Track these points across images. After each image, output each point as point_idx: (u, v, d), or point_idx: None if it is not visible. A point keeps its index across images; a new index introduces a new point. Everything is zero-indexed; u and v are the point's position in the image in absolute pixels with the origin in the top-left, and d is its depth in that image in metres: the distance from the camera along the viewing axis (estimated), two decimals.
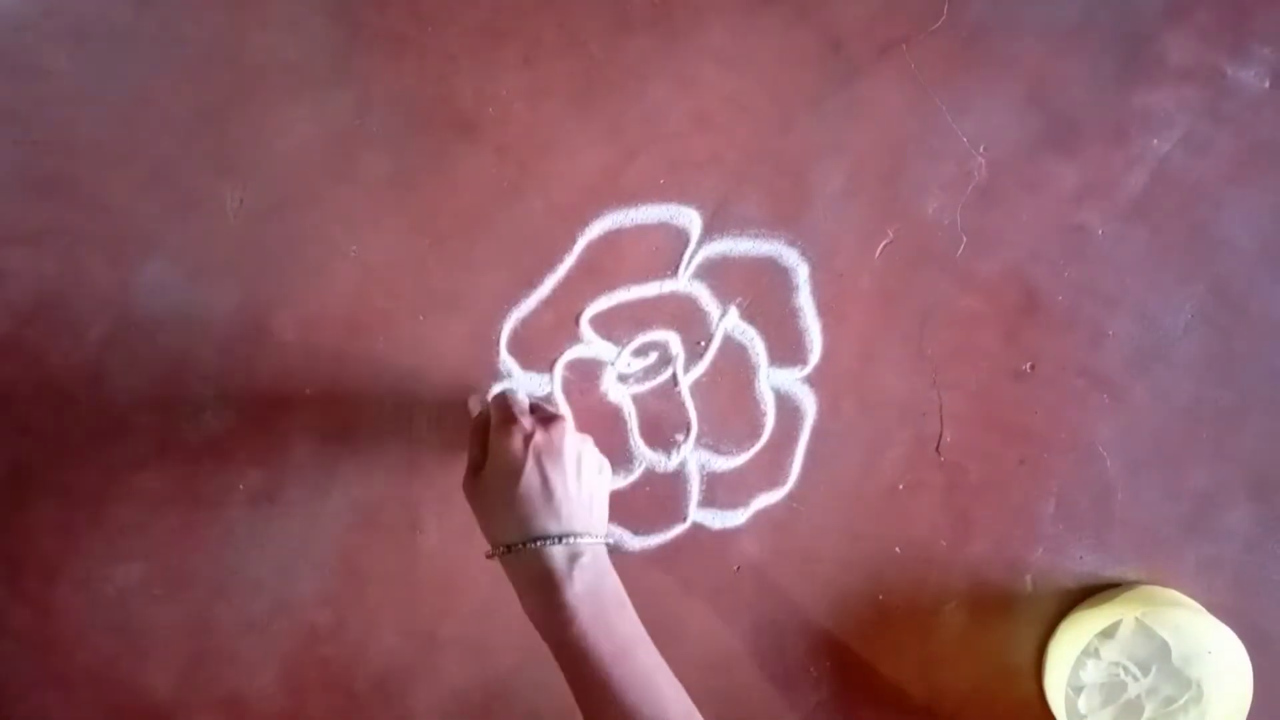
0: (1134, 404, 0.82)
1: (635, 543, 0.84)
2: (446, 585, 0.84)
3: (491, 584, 0.83)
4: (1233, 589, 0.83)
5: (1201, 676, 0.79)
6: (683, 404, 0.83)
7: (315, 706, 0.85)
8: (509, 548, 0.67)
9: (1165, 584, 0.83)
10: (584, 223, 0.80)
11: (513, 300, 0.81)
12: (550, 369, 0.82)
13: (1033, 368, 0.82)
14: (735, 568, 0.84)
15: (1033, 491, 0.83)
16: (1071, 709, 0.80)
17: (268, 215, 0.80)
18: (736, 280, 0.81)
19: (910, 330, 0.82)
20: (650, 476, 0.83)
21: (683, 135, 0.80)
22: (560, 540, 0.66)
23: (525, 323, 0.81)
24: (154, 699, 0.84)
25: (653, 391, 0.83)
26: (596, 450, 0.74)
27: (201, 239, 0.80)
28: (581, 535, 0.67)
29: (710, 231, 0.81)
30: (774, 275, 0.81)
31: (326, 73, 0.79)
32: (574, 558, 0.66)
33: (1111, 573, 0.84)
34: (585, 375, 0.82)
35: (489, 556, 0.69)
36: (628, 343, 0.82)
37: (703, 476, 0.83)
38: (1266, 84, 0.79)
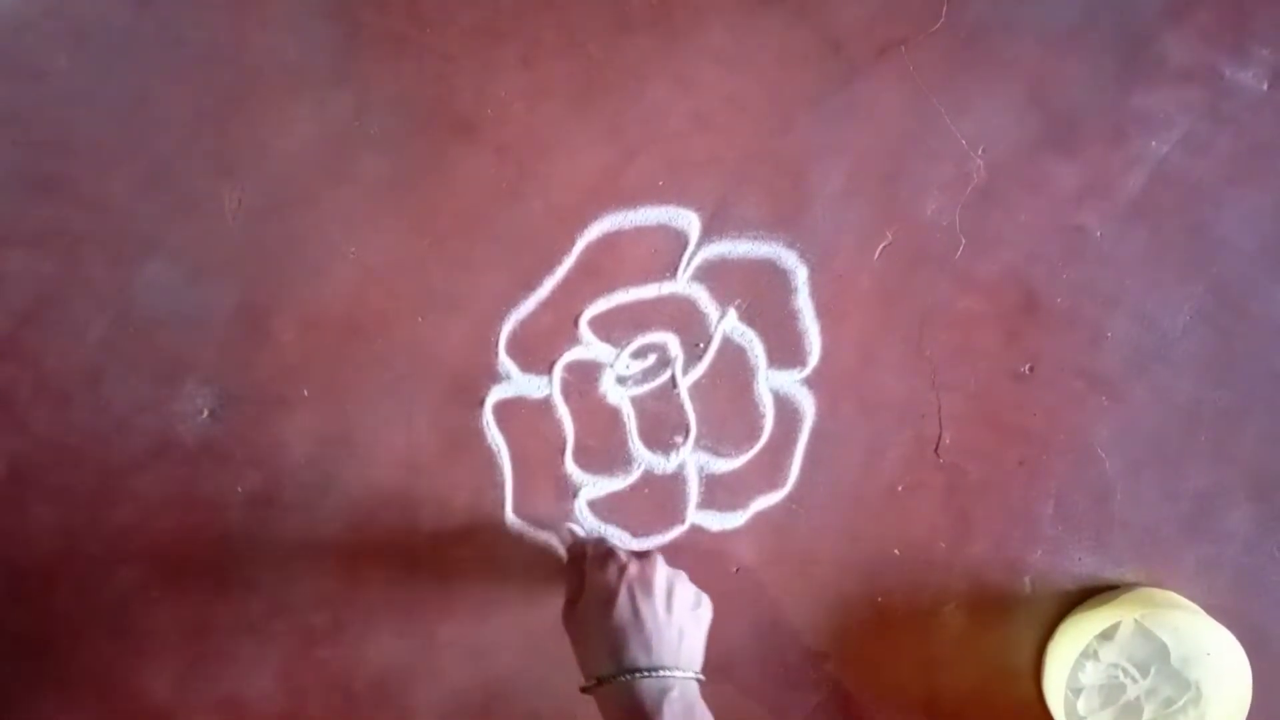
0: (1133, 404, 0.82)
1: (634, 545, 0.84)
2: (446, 585, 0.84)
3: (491, 584, 0.83)
4: (1232, 590, 0.83)
5: (1201, 678, 0.79)
6: (682, 406, 0.83)
7: (314, 707, 0.85)
8: (600, 680, 0.67)
9: (1164, 585, 0.83)
10: (583, 224, 0.80)
11: (512, 301, 0.81)
12: (549, 371, 0.82)
13: (1032, 369, 0.82)
14: (734, 569, 0.84)
15: (1032, 493, 0.83)
16: (1071, 711, 0.80)
17: (267, 215, 0.80)
18: (735, 282, 0.81)
19: (909, 331, 0.82)
20: (649, 478, 0.83)
21: (682, 136, 0.80)
22: (650, 674, 0.66)
23: (524, 324, 0.81)
24: (153, 700, 0.84)
25: (652, 393, 0.83)
26: (692, 586, 0.74)
27: (201, 239, 0.80)
28: (671, 669, 0.67)
29: (709, 233, 0.81)
30: (773, 277, 0.81)
31: (326, 73, 0.79)
32: (664, 691, 0.66)
33: (1111, 574, 0.84)
34: (584, 377, 0.82)
35: (583, 690, 0.69)
36: (627, 344, 0.82)
37: (702, 478, 0.83)
38: (1266, 85, 0.79)
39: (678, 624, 0.70)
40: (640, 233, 0.81)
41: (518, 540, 0.83)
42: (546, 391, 0.82)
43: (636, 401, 0.83)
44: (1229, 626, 0.78)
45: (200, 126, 0.79)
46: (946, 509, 0.83)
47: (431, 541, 0.83)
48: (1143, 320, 0.81)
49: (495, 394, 0.81)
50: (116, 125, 0.78)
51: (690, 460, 0.83)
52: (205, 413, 0.81)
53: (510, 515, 0.82)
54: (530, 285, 0.81)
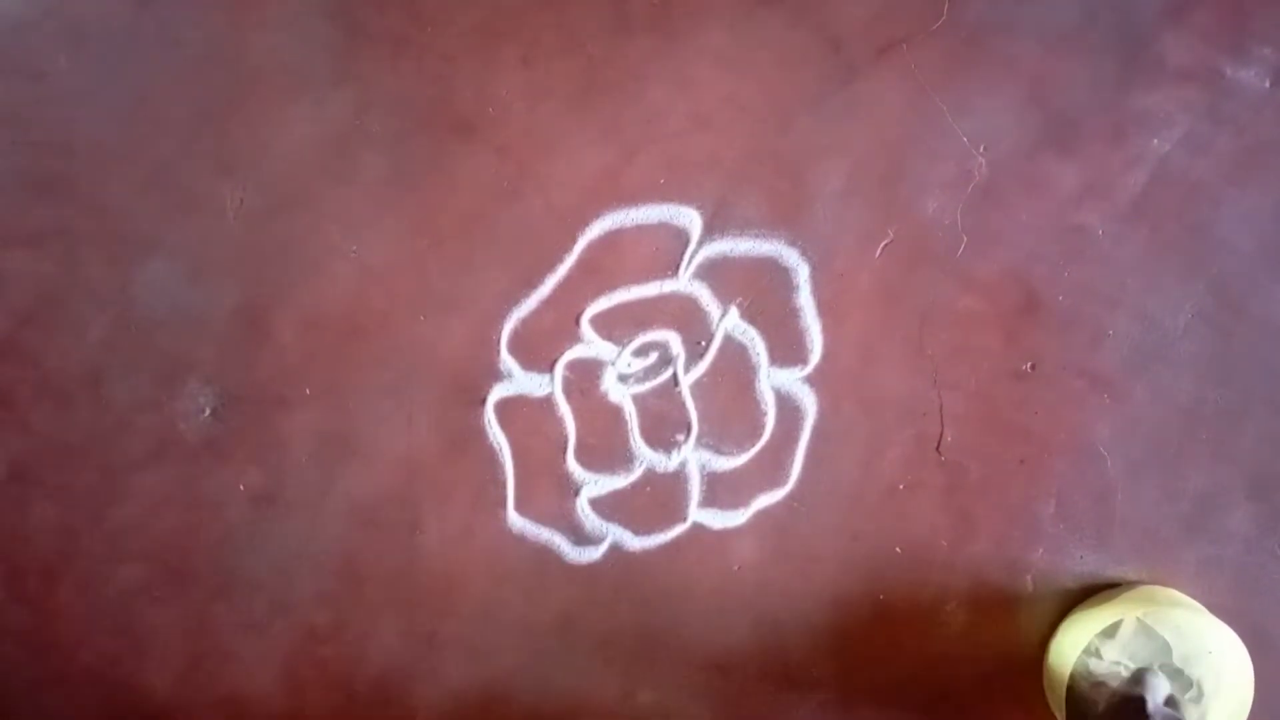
0: (1134, 404, 0.82)
1: (636, 543, 0.83)
2: (446, 585, 0.83)
3: (491, 584, 0.83)
4: (1233, 589, 0.83)
5: (1202, 676, 0.79)
6: (683, 404, 0.83)
7: (315, 707, 0.85)
8: None
9: (1166, 584, 0.83)
10: (584, 223, 0.80)
11: (513, 300, 0.81)
12: (551, 369, 0.82)
13: (1033, 368, 0.82)
14: (736, 567, 0.84)
15: (1033, 491, 0.83)
16: (1073, 707, 0.80)
17: (268, 215, 0.80)
18: (737, 280, 0.81)
19: (910, 330, 0.82)
20: (651, 476, 0.83)
21: (682, 135, 0.80)
22: None
23: (526, 323, 0.81)
24: (154, 699, 0.84)
25: (653, 391, 0.83)
26: None
27: (201, 239, 0.80)
28: None
29: (710, 231, 0.81)
30: (774, 275, 0.81)
31: (326, 73, 0.79)
32: None
33: (1112, 573, 0.84)
34: (586, 375, 0.82)
35: None
36: (628, 343, 0.82)
37: (703, 476, 0.83)
38: (1266, 84, 0.79)
39: None
40: (641, 231, 0.81)
41: (519, 539, 0.83)
42: (548, 390, 0.82)
43: (638, 399, 0.83)
44: (1230, 624, 0.78)
45: (200, 126, 0.79)
46: (948, 507, 0.83)
47: (432, 541, 0.83)
48: (1143, 319, 0.81)
49: (497, 392, 0.81)
50: (116, 125, 0.78)
51: (692, 458, 0.83)
52: (206, 412, 0.81)
53: (512, 513, 0.82)
54: (531, 284, 0.81)
